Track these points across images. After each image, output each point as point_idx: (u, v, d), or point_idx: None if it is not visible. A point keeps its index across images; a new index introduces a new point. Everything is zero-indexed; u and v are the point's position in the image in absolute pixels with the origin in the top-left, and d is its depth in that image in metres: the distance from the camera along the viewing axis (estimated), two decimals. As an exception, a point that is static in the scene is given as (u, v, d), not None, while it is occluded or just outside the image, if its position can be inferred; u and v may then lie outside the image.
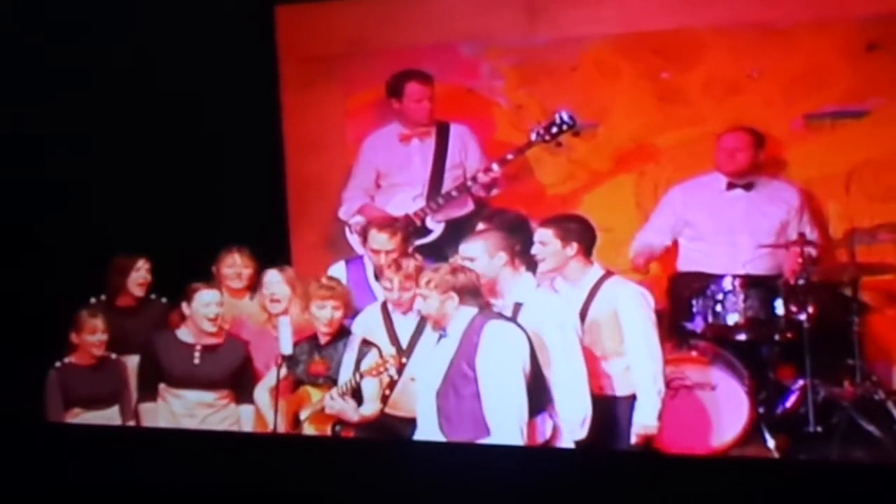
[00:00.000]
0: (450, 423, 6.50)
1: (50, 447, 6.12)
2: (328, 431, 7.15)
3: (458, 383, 6.50)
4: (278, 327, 7.27)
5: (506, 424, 6.43)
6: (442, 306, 6.59)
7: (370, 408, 7.18)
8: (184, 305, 7.66)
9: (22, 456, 5.97)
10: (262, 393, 7.49)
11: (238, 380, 7.61)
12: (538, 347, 6.64)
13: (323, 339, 7.27)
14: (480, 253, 6.89)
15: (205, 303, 7.59)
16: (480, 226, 7.49)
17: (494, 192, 8.82)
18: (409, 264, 7.27)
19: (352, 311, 7.43)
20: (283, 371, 7.28)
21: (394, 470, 5.65)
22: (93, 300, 8.00)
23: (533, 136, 8.49)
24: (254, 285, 7.98)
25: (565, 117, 8.44)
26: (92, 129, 8.61)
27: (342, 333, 7.29)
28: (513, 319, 6.72)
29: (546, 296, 6.96)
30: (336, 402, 7.09)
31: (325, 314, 7.22)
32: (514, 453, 6.11)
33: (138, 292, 8.02)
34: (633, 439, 6.98)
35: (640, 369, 7.01)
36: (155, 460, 5.93)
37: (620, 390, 7.06)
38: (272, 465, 5.80)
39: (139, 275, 7.99)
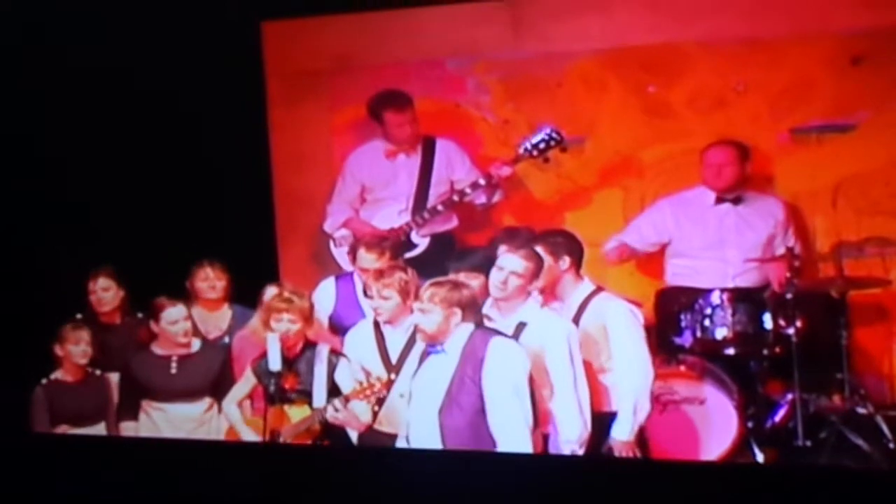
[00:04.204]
0: (453, 440, 6.47)
1: (34, 459, 6.12)
2: (308, 451, 7.13)
3: (462, 399, 6.49)
4: (267, 343, 7.25)
5: (514, 438, 6.42)
6: (445, 322, 6.57)
7: (367, 417, 7.16)
8: (152, 323, 7.70)
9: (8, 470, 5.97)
10: (230, 406, 7.48)
11: (218, 386, 7.61)
12: (536, 368, 6.64)
13: (288, 353, 7.22)
14: (527, 273, 6.84)
15: (171, 320, 7.63)
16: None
17: (497, 197, 8.84)
18: (395, 275, 7.24)
19: (312, 325, 7.37)
20: (253, 382, 7.32)
21: (385, 479, 5.64)
22: (79, 316, 7.97)
23: (521, 150, 8.51)
24: (228, 295, 8.05)
25: (552, 133, 8.47)
26: (81, 144, 8.58)
27: (308, 345, 7.26)
28: (514, 338, 6.71)
29: (551, 316, 6.93)
30: (340, 413, 7.03)
31: (280, 327, 7.18)
32: (506, 462, 6.11)
33: (104, 310, 8.01)
34: (604, 451, 6.96)
35: (625, 385, 7.00)
36: (138, 471, 5.92)
37: (610, 406, 7.04)
38: (264, 474, 5.80)
39: (95, 297, 8.00)
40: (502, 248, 7.17)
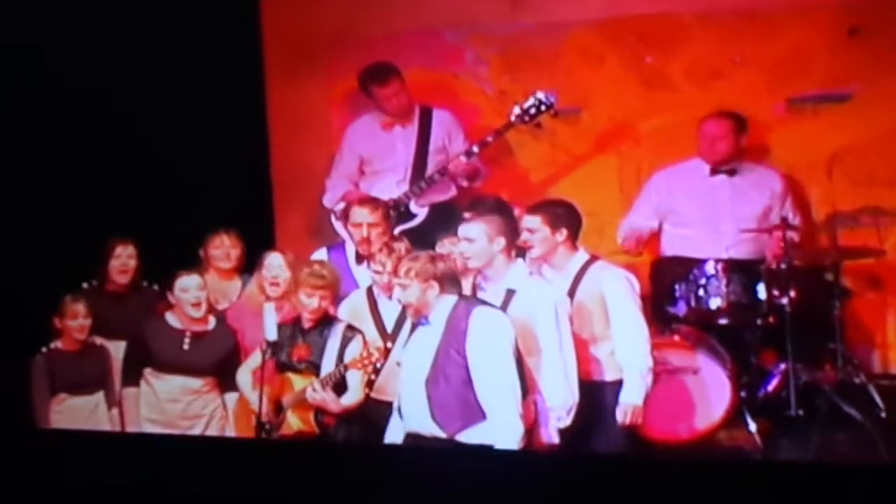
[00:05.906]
0: (442, 411, 6.48)
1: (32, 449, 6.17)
2: (311, 419, 7.16)
3: (449, 370, 6.48)
4: (263, 313, 7.30)
5: (503, 407, 6.43)
6: (423, 295, 6.57)
7: (353, 397, 7.18)
8: (169, 294, 7.74)
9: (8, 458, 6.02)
10: (244, 375, 7.51)
11: (224, 368, 7.64)
12: (525, 335, 6.65)
13: (307, 324, 7.27)
14: (480, 235, 6.86)
15: (184, 288, 7.65)
16: (467, 215, 7.43)
17: (478, 182, 8.82)
18: (401, 247, 7.26)
19: (338, 300, 7.42)
20: (268, 354, 7.31)
21: (374, 471, 5.68)
22: (85, 285, 8.04)
23: (512, 118, 8.50)
24: (242, 266, 8.08)
25: (542, 97, 8.45)
26: (80, 117, 8.60)
27: (326, 319, 7.28)
28: (501, 307, 6.72)
29: (539, 283, 6.95)
30: (317, 394, 7.08)
31: (312, 303, 7.20)
32: (498, 456, 6.15)
33: (122, 279, 8.07)
34: (619, 416, 6.98)
35: (626, 351, 7.03)
36: (139, 464, 5.97)
37: (608, 375, 7.08)
38: (256, 468, 5.83)
39: (119, 262, 8.05)
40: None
